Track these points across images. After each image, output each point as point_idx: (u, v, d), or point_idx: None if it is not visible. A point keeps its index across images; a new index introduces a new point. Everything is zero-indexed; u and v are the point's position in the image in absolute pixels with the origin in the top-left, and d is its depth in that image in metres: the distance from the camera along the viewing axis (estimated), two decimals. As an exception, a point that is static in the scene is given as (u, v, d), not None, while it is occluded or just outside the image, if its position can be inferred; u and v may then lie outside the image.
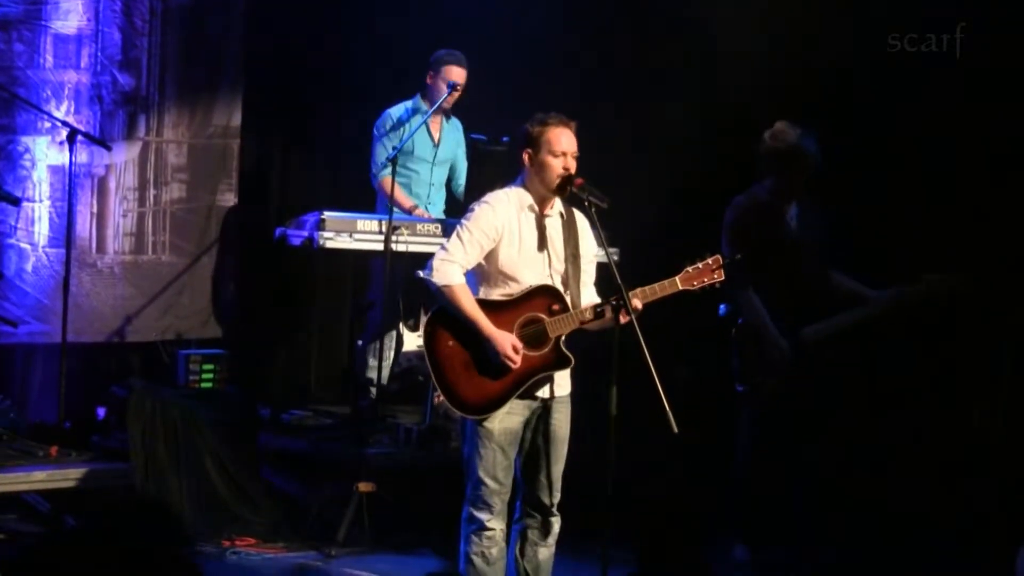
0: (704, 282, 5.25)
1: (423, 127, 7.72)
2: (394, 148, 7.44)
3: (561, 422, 5.35)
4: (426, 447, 7.19)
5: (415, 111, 7.72)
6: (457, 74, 7.61)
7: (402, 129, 7.67)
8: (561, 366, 5.26)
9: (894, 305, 6.54)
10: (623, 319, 5.10)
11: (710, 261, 5.26)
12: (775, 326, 6.49)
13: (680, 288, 5.24)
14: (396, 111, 7.74)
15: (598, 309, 5.21)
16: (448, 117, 7.90)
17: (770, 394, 6.51)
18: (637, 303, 5.17)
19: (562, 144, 5.24)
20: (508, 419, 5.24)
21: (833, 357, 6.56)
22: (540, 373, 5.23)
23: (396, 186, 7.41)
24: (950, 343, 7.31)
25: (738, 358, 6.59)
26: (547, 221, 5.33)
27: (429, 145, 7.85)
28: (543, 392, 5.29)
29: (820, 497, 6.66)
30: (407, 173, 7.77)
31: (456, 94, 7.63)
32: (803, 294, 6.55)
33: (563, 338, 5.24)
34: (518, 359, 5.16)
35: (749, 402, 6.61)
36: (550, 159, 5.24)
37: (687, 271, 5.26)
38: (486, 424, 5.23)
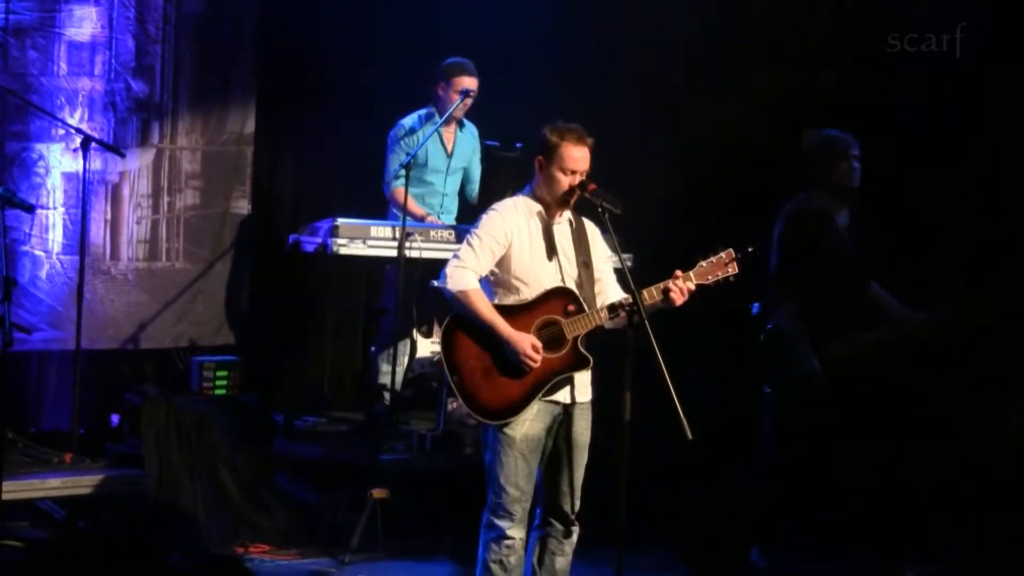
0: (718, 276, 5.26)
1: (436, 137, 7.73)
2: (407, 154, 7.44)
3: (583, 428, 5.34)
4: (440, 453, 7.19)
5: (427, 121, 7.72)
6: (469, 82, 7.61)
7: (415, 139, 7.67)
8: (580, 367, 5.25)
9: (926, 329, 6.51)
10: (656, 301, 5.13)
11: (723, 255, 5.27)
12: (809, 334, 6.44)
13: (695, 283, 5.24)
14: (409, 121, 7.73)
15: (612, 310, 5.19)
16: (462, 125, 7.89)
17: (794, 399, 6.48)
18: (658, 295, 5.17)
19: (575, 162, 5.25)
20: (530, 426, 5.23)
21: (861, 371, 6.51)
22: (560, 375, 5.22)
23: (408, 196, 7.38)
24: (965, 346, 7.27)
25: (764, 361, 6.55)
26: (556, 228, 5.34)
27: (442, 155, 7.85)
28: (565, 397, 5.27)
29: (839, 503, 6.64)
30: (421, 184, 7.78)
31: (469, 101, 7.62)
32: (845, 306, 6.49)
33: (581, 339, 5.23)
34: (538, 358, 5.15)
35: (773, 405, 6.57)
36: (559, 175, 5.26)
37: (700, 265, 5.27)
38: (508, 431, 5.21)
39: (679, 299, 5.18)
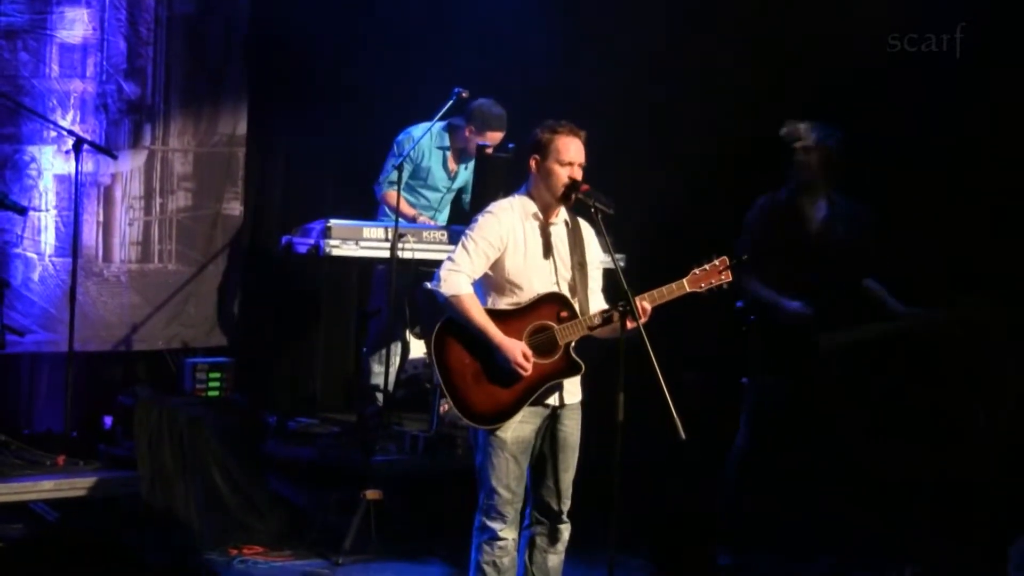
0: (712, 283, 5.26)
1: (442, 160, 7.81)
2: (399, 156, 7.47)
3: (572, 429, 5.34)
4: (433, 454, 7.19)
5: (439, 143, 7.73)
6: (498, 137, 7.64)
7: (418, 149, 7.66)
8: (572, 373, 5.25)
9: (924, 326, 6.52)
10: (630, 325, 5.10)
11: (717, 262, 5.27)
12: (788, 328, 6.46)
13: (688, 290, 5.25)
14: (420, 136, 7.65)
15: (605, 314, 5.20)
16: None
17: (772, 392, 6.51)
18: (646, 306, 5.17)
19: (570, 154, 5.24)
20: (520, 428, 5.23)
21: (844, 365, 6.53)
22: (551, 381, 5.22)
23: (401, 198, 7.38)
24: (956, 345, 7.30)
25: (747, 352, 6.58)
26: (552, 229, 5.33)
27: (444, 179, 7.91)
28: (553, 400, 5.28)
29: (814, 500, 6.66)
30: (416, 195, 7.84)
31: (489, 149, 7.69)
32: (821, 297, 6.51)
33: (573, 345, 5.24)
34: (529, 367, 5.15)
35: (751, 396, 6.60)
36: (556, 167, 5.24)
37: (694, 273, 5.27)
38: (498, 433, 5.22)
39: (631, 323, 5.11)
